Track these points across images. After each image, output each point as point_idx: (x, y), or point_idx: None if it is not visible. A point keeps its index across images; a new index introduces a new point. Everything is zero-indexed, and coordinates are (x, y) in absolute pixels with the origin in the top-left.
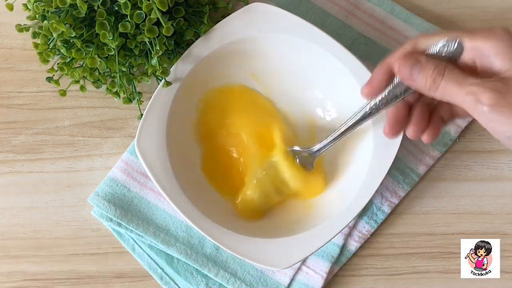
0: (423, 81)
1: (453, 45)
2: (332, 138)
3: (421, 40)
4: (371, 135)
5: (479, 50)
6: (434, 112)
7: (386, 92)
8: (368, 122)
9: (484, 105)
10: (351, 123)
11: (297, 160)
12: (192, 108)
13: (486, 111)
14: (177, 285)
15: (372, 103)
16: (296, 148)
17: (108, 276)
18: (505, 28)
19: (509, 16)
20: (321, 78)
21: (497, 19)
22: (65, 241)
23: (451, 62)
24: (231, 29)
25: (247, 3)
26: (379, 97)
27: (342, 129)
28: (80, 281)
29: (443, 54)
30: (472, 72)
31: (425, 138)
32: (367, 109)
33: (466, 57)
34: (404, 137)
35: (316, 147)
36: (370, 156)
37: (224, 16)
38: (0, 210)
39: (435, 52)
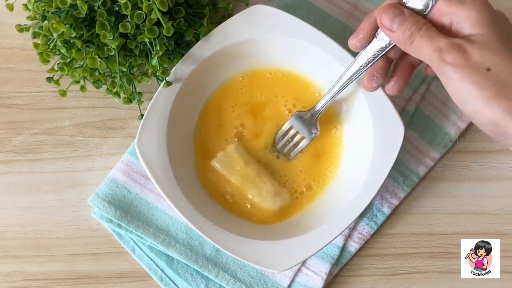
0: (401, 33)
1: (432, 3)
2: (330, 95)
3: None
4: (371, 137)
5: (453, 14)
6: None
7: (371, 45)
8: (369, 125)
9: (447, 64)
10: (345, 78)
11: (303, 125)
12: (193, 109)
13: (448, 70)
14: (177, 286)
15: (360, 58)
16: (299, 112)
17: (108, 276)
18: None
19: None
20: (321, 79)
21: None
22: (65, 241)
23: (430, 20)
24: (232, 30)
25: (247, 4)
26: (366, 51)
27: (337, 86)
28: (80, 281)
29: (422, 8)
30: (447, 33)
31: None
32: (356, 64)
33: (443, 17)
34: (405, 139)
35: (317, 106)
36: (371, 159)
37: (224, 17)
38: (0, 210)
39: (415, 6)
